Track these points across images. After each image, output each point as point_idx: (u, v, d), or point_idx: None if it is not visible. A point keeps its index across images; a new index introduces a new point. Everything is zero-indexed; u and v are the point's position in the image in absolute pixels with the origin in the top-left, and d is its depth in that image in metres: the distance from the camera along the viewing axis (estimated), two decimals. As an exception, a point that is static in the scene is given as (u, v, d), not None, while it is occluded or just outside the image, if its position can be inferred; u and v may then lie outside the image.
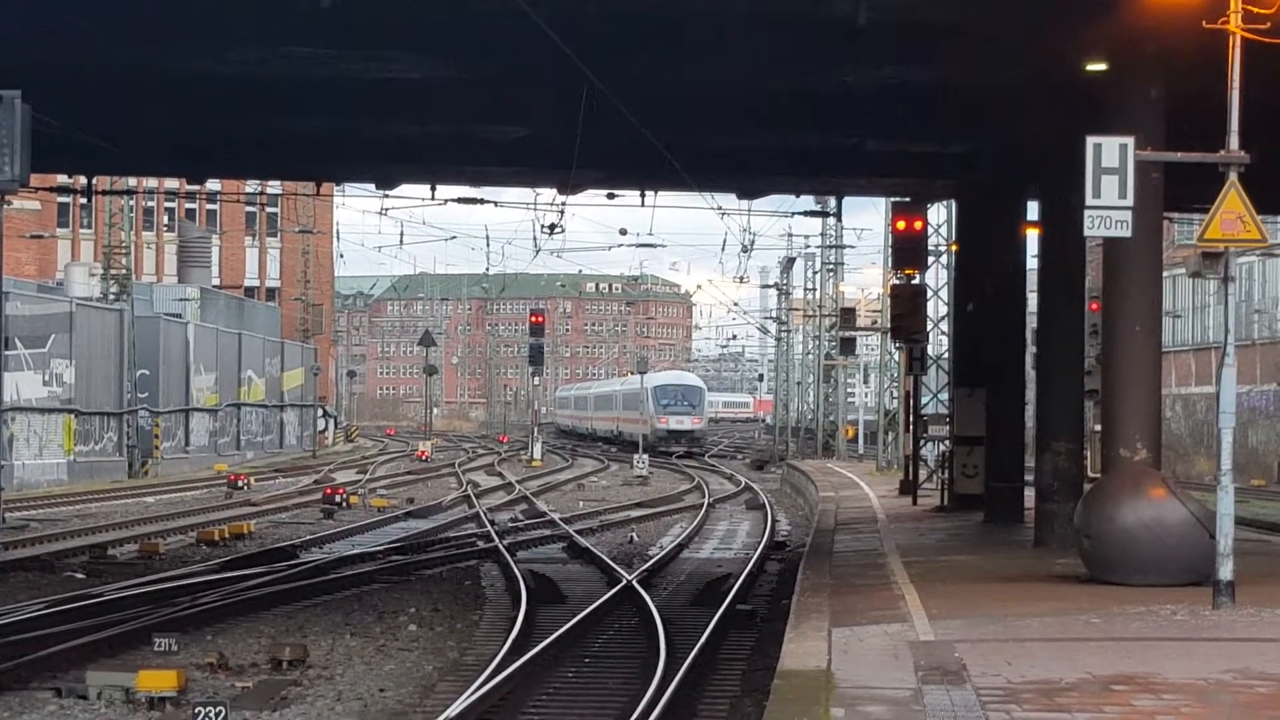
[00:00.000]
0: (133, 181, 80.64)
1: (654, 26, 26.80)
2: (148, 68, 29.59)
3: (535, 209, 61.74)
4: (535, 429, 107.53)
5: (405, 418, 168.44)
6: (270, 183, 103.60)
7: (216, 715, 17.29)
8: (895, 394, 76.60)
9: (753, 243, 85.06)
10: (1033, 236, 39.12)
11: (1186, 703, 14.92)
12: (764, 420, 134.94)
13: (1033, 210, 38.55)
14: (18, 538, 39.17)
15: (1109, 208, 21.79)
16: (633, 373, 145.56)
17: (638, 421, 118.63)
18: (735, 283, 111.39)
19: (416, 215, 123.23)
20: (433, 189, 49.65)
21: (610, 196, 49.66)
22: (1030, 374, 40.74)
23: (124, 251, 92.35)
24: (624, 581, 29.48)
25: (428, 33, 27.22)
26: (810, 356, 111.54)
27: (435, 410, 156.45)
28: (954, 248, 49.64)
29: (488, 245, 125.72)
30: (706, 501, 56.63)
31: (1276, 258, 71.45)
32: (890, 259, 60.73)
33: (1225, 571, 21.56)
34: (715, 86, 31.60)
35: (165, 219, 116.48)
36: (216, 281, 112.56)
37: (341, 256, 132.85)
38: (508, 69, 29.06)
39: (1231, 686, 15.88)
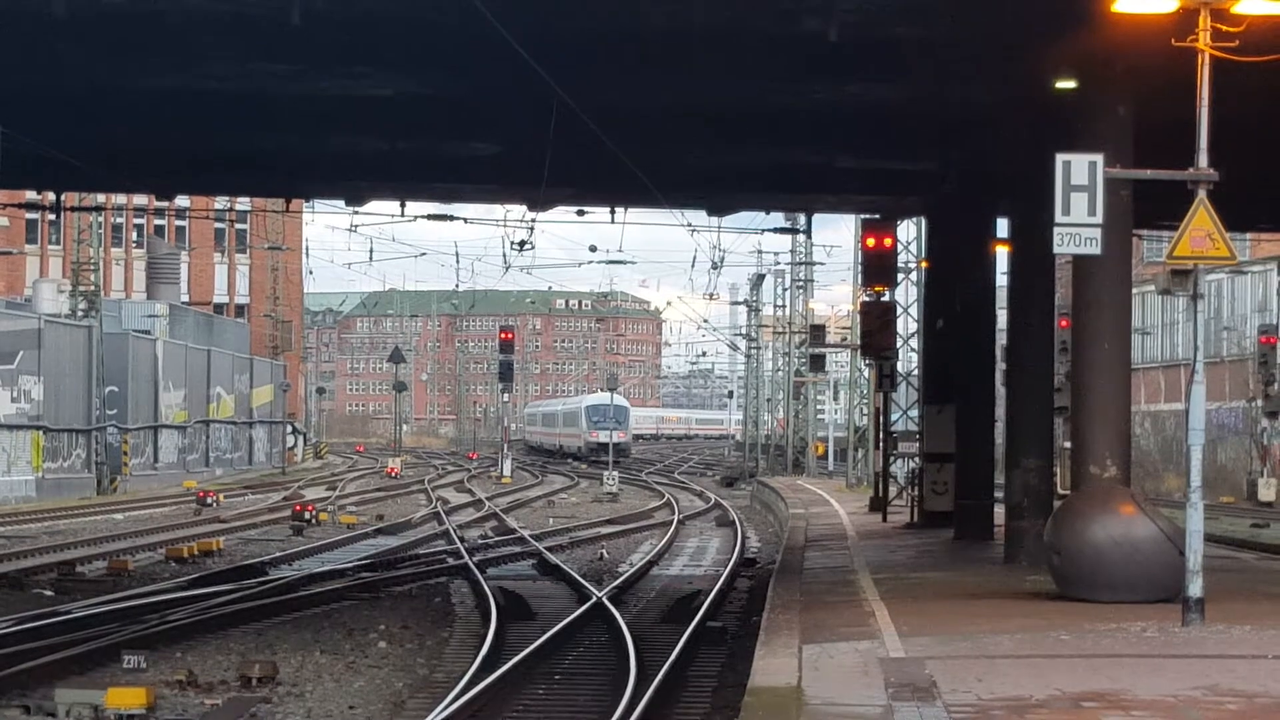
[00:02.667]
0: (101, 198, 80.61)
1: (622, 44, 26.84)
2: (117, 85, 29.60)
3: (505, 226, 62.11)
4: (505, 446, 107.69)
5: (375, 434, 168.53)
6: (239, 199, 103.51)
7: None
8: (865, 411, 76.85)
9: (722, 259, 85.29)
10: (1002, 253, 39.21)
11: None
12: (734, 437, 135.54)
13: (1002, 227, 38.62)
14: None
15: (1078, 225, 21.86)
16: (603, 389, 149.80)
17: (575, 436, 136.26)
18: (705, 299, 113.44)
19: (386, 232, 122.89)
20: (402, 206, 49.80)
21: (580, 213, 49.81)
22: (1000, 390, 40.86)
23: (92, 268, 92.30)
24: (594, 599, 29.46)
25: (396, 50, 27.23)
26: (780, 373, 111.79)
27: (405, 427, 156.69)
28: (924, 264, 49.78)
29: (457, 262, 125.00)
30: (676, 518, 56.67)
31: (1245, 275, 71.77)
32: (860, 276, 60.96)
33: (1195, 589, 21.62)
34: (684, 104, 31.64)
35: (134, 235, 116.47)
36: (185, 298, 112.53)
37: (311, 273, 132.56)
38: (477, 86, 29.08)
39: (1201, 704, 15.93)
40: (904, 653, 19.01)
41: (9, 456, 65.85)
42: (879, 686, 16.48)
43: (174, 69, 28.74)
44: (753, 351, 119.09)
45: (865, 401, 76.85)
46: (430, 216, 53.95)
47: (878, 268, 52.75)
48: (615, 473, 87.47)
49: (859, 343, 61.34)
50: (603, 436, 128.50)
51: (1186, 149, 21.19)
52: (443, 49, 26.59)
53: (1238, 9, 20.98)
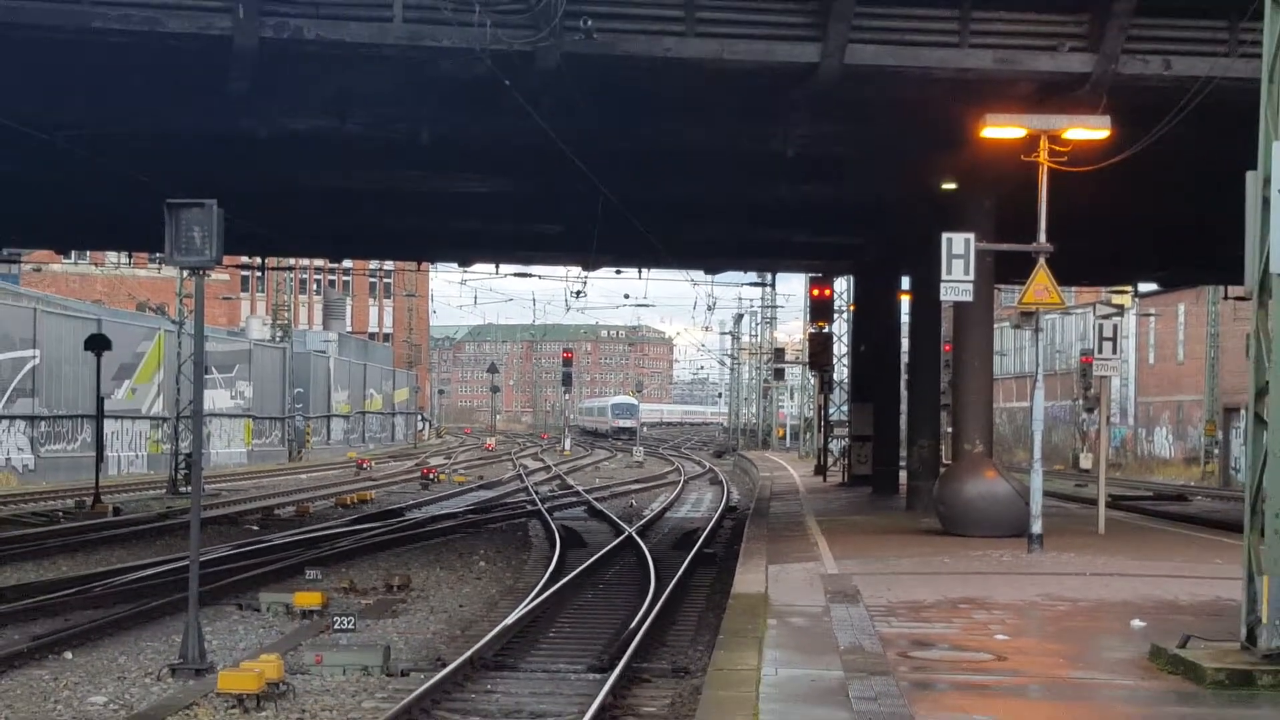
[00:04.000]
0: (291, 261, 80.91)
1: (647, 158, 26.86)
2: (301, 184, 29.65)
3: (566, 280, 63.13)
4: (566, 429, 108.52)
5: (477, 422, 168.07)
6: (385, 262, 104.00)
7: (348, 623, 17.34)
8: (811, 406, 76.70)
9: (714, 303, 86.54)
10: (905, 301, 39.28)
11: (1009, 615, 15.03)
12: (721, 424, 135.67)
13: (905, 282, 38.64)
14: (213, 502, 39.21)
15: (957, 281, 21.82)
16: (628, 392, 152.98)
17: (604, 423, 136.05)
18: (702, 330, 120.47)
19: (485, 284, 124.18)
20: (497, 266, 49.96)
21: (618, 272, 50.27)
22: (904, 393, 40.89)
23: (286, 308, 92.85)
24: (626, 533, 29.50)
25: (492, 161, 27.27)
26: (753, 380, 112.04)
27: (498, 416, 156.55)
28: (852, 307, 49.84)
29: (534, 304, 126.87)
30: (682, 479, 56.66)
31: (1071, 315, 71.68)
32: (808, 315, 60.84)
33: (1036, 527, 21.67)
34: (688, 198, 31.63)
35: (314, 286, 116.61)
36: (349, 329, 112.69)
37: (434, 312, 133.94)
38: (547, 186, 29.10)
39: (1040, 604, 15.99)
40: (837, 571, 19.09)
41: (229, 435, 66.17)
42: (820, 593, 16.55)
43: (340, 173, 28.79)
44: (735, 366, 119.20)
45: (811, 400, 76.73)
46: (515, 274, 54.06)
47: (820, 309, 53.73)
48: (641, 447, 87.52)
49: (808, 360, 61.35)
50: (619, 423, 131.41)
51: (1032, 229, 21.21)
52: (523, 160, 26.60)
53: (1066, 135, 20.99)
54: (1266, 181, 11.29)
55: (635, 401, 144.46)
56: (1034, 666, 12.03)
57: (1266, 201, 11.24)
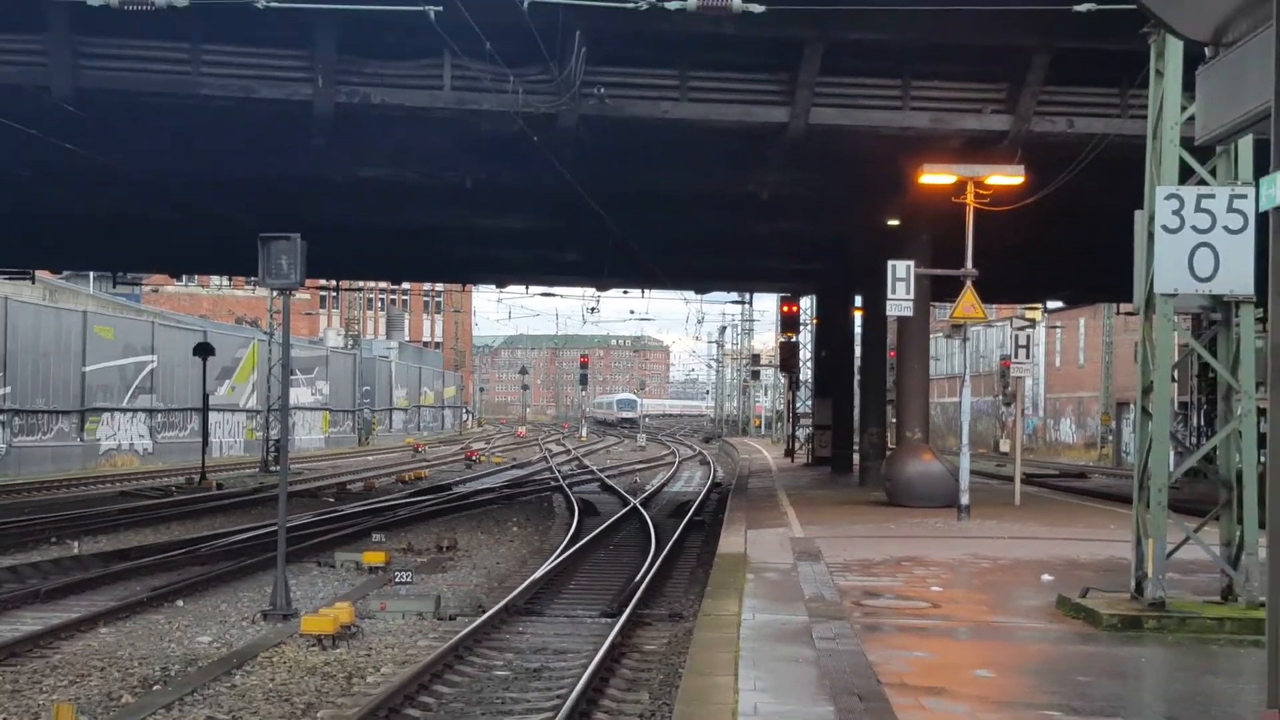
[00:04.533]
0: (360, 283, 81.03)
1: (648, 200, 26.91)
2: (366, 222, 29.69)
3: (583, 299, 63.21)
4: (582, 421, 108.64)
5: (510, 414, 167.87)
6: (436, 284, 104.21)
7: (406, 577, 17.38)
8: (781, 401, 76.65)
9: (703, 318, 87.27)
10: (858, 316, 39.30)
11: (942, 571, 15.03)
12: (709, 416, 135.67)
13: (858, 300, 38.65)
14: (297, 479, 39.21)
15: (901, 299, 21.83)
16: (629, 391, 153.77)
17: (611, 414, 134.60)
18: (693, 340, 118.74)
19: (517, 301, 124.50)
20: (526, 287, 50.31)
21: (624, 292, 51.09)
22: (856, 390, 40.88)
23: (355, 321, 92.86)
24: (631, 504, 29.48)
25: (523, 202, 27.35)
26: (735, 380, 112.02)
27: (527, 409, 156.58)
28: (815, 321, 49.84)
29: (556, 318, 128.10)
30: (677, 461, 56.60)
31: (993, 327, 71.61)
32: (779, 327, 60.85)
33: (964, 500, 21.68)
34: (683, 232, 31.69)
35: (379, 303, 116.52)
36: (406, 338, 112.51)
37: (475, 324, 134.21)
38: (568, 222, 29.15)
39: (967, 562, 15.99)
40: (803, 535, 19.08)
41: (310, 425, 66.11)
42: (789, 553, 16.56)
43: (399, 212, 28.84)
44: (720, 369, 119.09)
45: (781, 396, 76.68)
46: (541, 293, 54.34)
47: (789, 322, 53.95)
48: (644, 434, 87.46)
49: (779, 364, 61.46)
50: (623, 415, 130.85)
51: (961, 257, 21.22)
52: (547, 201, 26.68)
53: (988, 181, 21.01)
54: (1151, 219, 11.31)
55: (636, 398, 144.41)
56: (962, 613, 12.05)
57: (1151, 236, 11.26)
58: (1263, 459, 10.85)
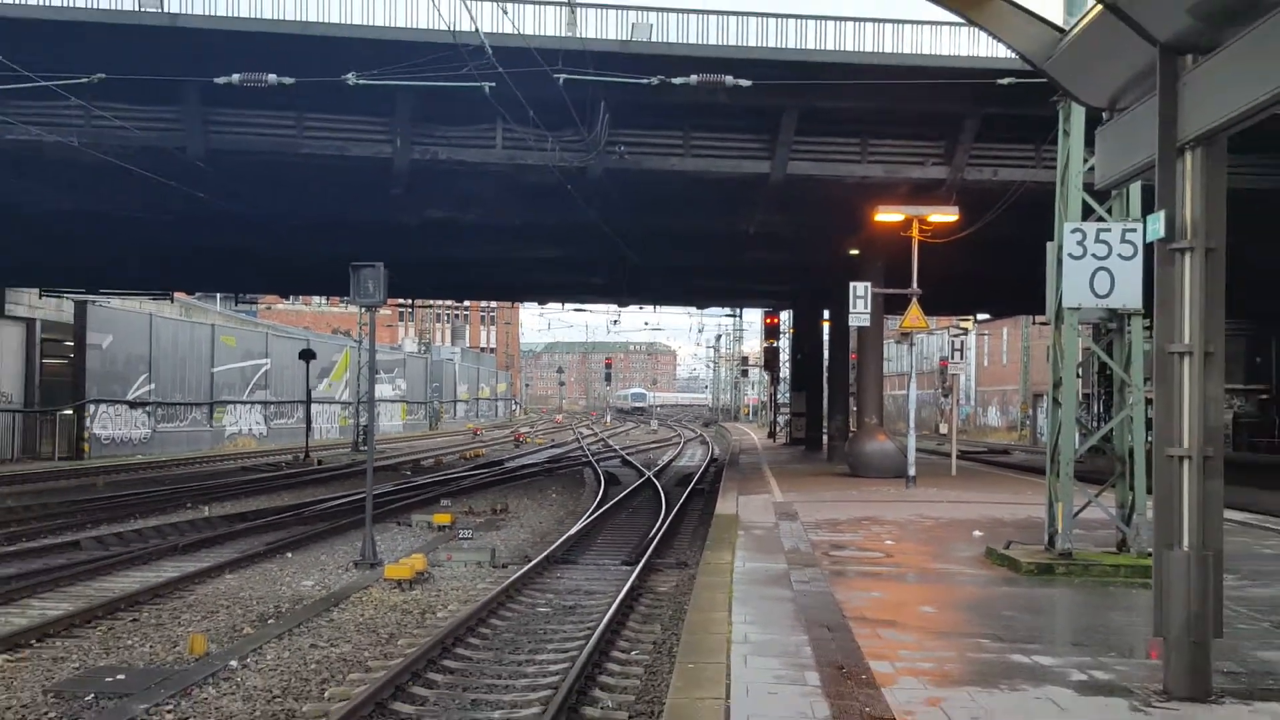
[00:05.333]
0: (431, 301, 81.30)
1: (657, 236, 26.87)
2: (437, 252, 29.64)
3: (607, 314, 63.57)
4: (607, 410, 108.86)
5: (550, 405, 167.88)
6: (491, 303, 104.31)
7: (468, 534, 17.40)
8: (765, 394, 76.51)
9: (703, 328, 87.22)
10: (826, 326, 39.18)
11: (894, 528, 14.99)
12: (707, 405, 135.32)
13: (826, 314, 38.54)
14: (380, 457, 39.26)
15: (860, 313, 21.82)
16: (641, 386, 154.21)
17: (626, 405, 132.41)
18: (695, 345, 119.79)
19: (555, 315, 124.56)
20: (562, 304, 50.17)
21: (640, 308, 50.52)
22: (825, 385, 40.79)
23: (427, 331, 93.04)
24: (646, 476, 29.41)
25: (558, 237, 27.32)
26: (728, 377, 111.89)
27: (563, 401, 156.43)
28: (792, 331, 49.70)
29: (586, 329, 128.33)
30: (682, 441, 56.53)
31: (934, 334, 71.33)
32: (763, 335, 60.76)
33: (911, 471, 21.62)
34: (685, 260, 31.61)
35: (445, 317, 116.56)
36: (467, 345, 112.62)
37: (522, 334, 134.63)
38: (594, 252, 29.12)
39: (913, 521, 15.94)
40: (783, 499, 19.04)
41: (390, 414, 66.05)
42: (772, 513, 16.53)
43: (462, 246, 28.74)
44: (716, 368, 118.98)
45: (766, 389, 76.56)
46: (574, 309, 54.75)
47: (771, 332, 53.73)
48: (656, 420, 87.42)
49: (763, 364, 61.31)
50: (636, 405, 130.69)
51: (908, 278, 21.19)
52: (578, 237, 26.59)
53: (929, 219, 20.98)
54: (1060, 249, 11.29)
55: (646, 392, 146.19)
56: (910, 561, 12.03)
57: (1060, 262, 11.24)
58: (1149, 439, 10.85)
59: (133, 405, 38.41)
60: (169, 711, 8.15)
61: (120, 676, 8.96)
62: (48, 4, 18.38)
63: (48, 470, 29.61)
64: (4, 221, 24.19)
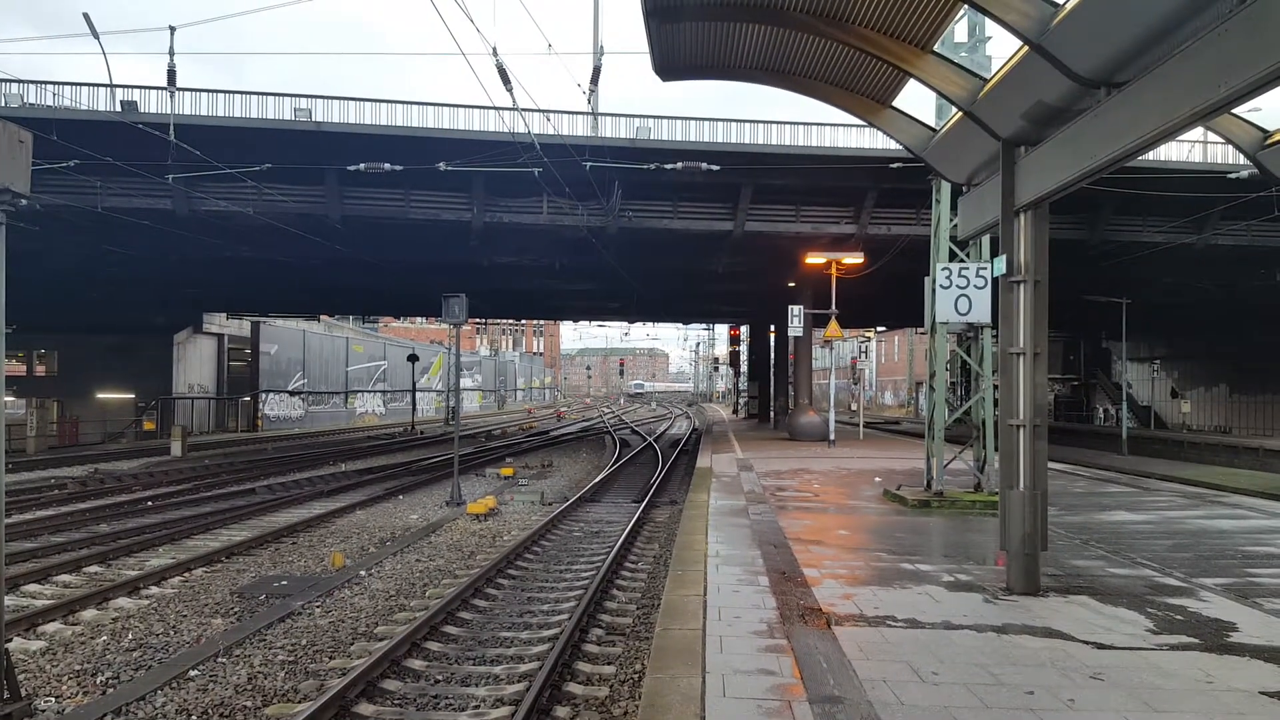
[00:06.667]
0: (498, 320, 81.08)
1: (655, 273, 26.62)
2: (506, 285, 29.41)
3: (620, 328, 62.72)
4: (622, 395, 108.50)
5: (581, 393, 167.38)
6: (536, 321, 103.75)
7: (524, 482, 17.35)
8: (731, 383, 76.21)
9: (687, 338, 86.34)
10: (773, 336, 38.94)
11: (820, 476, 14.90)
12: (690, 391, 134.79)
13: (773, 327, 38.29)
14: (463, 429, 39.14)
15: (796, 327, 21.73)
16: (641, 379, 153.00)
17: (632, 392, 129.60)
18: (682, 350, 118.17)
19: (585, 329, 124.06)
20: (590, 321, 49.56)
21: (643, 324, 50.11)
22: (772, 377, 40.58)
23: (496, 341, 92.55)
24: (647, 441, 29.35)
25: (586, 275, 27.08)
26: (704, 371, 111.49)
27: (590, 389, 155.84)
28: (748, 339, 49.54)
29: (605, 339, 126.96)
30: (672, 417, 56.31)
31: (847, 341, 71.01)
32: (729, 342, 60.56)
33: (832, 436, 21.47)
34: (673, 290, 31.42)
35: (508, 330, 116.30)
36: (524, 350, 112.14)
37: (562, 342, 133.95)
38: (611, 286, 28.90)
39: (834, 471, 15.85)
40: (743, 456, 18.91)
41: (470, 399, 65.67)
42: (736, 466, 16.42)
43: (518, 281, 28.41)
44: (696, 365, 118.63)
45: (731, 380, 76.27)
46: (598, 325, 54.35)
47: (734, 340, 53.21)
48: (655, 402, 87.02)
49: (729, 362, 60.99)
50: (637, 391, 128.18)
51: (829, 303, 21.08)
52: (600, 274, 26.28)
53: (844, 261, 20.90)
54: (934, 282, 11.28)
55: (645, 381, 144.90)
56: (831, 498, 12.00)
57: (934, 291, 11.22)
58: (996, 413, 10.83)
59: (292, 394, 38.44)
60: (317, 606, 8.18)
61: (284, 582, 8.99)
62: (231, 115, 18.45)
63: (233, 439, 29.62)
64: (202, 266, 24.22)
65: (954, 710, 4.57)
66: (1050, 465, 9.39)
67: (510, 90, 11.48)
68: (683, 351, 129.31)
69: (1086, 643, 5.60)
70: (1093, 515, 10.54)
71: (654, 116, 19.97)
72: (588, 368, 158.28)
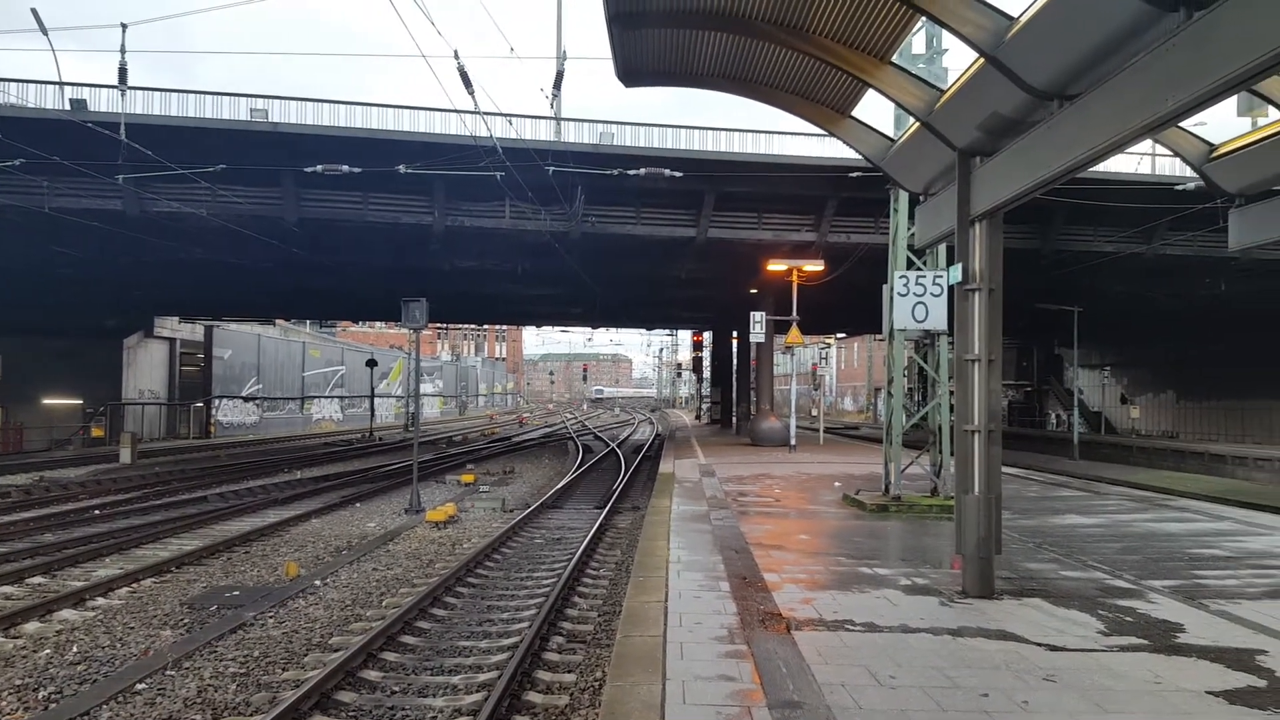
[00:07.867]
0: (459, 324, 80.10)
1: (617, 279, 26.65)
2: (466, 289, 29.15)
3: (583, 333, 62.39)
4: (584, 401, 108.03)
5: (544, 398, 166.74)
6: (499, 325, 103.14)
7: (485, 488, 17.16)
8: (693, 389, 76.31)
9: (650, 343, 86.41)
10: (735, 342, 39.15)
11: (781, 481, 14.96)
12: (654, 396, 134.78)
13: (735, 333, 38.50)
14: (423, 435, 38.60)
15: (759, 332, 21.88)
16: (602, 384, 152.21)
17: (594, 397, 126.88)
18: (645, 355, 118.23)
19: (547, 334, 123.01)
20: (552, 326, 49.43)
21: (606, 329, 49.93)
22: (734, 382, 40.75)
23: (457, 346, 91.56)
24: (610, 447, 29.26)
25: (548, 279, 26.97)
26: (668, 376, 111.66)
27: (553, 395, 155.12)
28: (711, 345, 49.68)
29: (569, 347, 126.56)
30: (635, 422, 56.24)
31: (808, 348, 71.75)
32: (692, 348, 60.69)
33: (793, 441, 21.65)
34: (636, 296, 31.44)
35: (470, 335, 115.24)
36: (486, 355, 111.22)
37: (524, 347, 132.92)
38: (573, 290, 28.85)
39: (794, 476, 15.92)
40: (706, 462, 18.93)
41: (430, 404, 64.92)
42: (698, 472, 16.42)
43: (479, 286, 28.32)
44: (660, 371, 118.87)
45: (693, 385, 76.44)
46: (560, 330, 53.84)
47: (697, 346, 53.23)
48: (618, 408, 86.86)
49: (692, 368, 61.16)
50: (599, 397, 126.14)
51: (790, 309, 21.26)
52: (563, 279, 26.19)
53: (805, 268, 21.09)
54: (892, 289, 11.43)
55: (605, 387, 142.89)
56: (792, 503, 12.05)
57: (892, 298, 11.37)
58: (951, 419, 11.00)
59: (246, 399, 37.57)
60: (270, 617, 7.96)
61: (236, 593, 8.75)
62: (185, 115, 18.01)
63: (185, 446, 28.83)
64: (154, 269, 23.57)
65: (911, 714, 4.60)
66: (1004, 470, 9.53)
67: (472, 93, 11.38)
68: (646, 357, 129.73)
69: (1040, 645, 5.69)
70: (1046, 519, 10.74)
71: (618, 122, 20.00)
72: (551, 373, 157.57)
